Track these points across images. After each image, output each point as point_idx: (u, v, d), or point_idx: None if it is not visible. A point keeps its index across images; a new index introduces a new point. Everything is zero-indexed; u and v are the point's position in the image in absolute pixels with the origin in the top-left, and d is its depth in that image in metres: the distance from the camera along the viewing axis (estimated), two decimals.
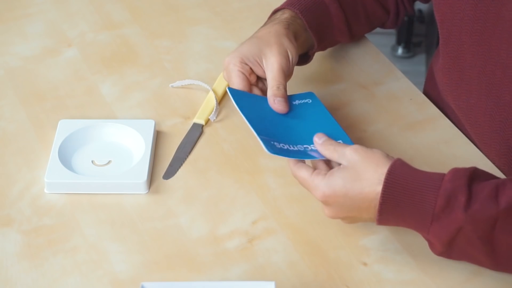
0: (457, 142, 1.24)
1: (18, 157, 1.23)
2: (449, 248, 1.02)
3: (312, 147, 1.10)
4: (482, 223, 0.98)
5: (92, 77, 1.36)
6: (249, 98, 1.16)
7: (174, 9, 1.50)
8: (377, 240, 1.10)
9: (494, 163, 1.19)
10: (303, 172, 1.07)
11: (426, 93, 1.35)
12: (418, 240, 1.07)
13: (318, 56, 1.37)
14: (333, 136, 1.10)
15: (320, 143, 1.09)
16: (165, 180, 1.19)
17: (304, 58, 1.29)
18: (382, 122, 1.27)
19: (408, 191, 1.01)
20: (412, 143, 1.23)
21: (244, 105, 1.14)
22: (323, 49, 1.32)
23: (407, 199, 1.01)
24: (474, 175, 1.01)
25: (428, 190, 1.01)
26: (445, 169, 1.18)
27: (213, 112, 1.28)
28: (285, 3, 1.28)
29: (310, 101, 1.20)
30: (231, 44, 1.42)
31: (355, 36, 1.35)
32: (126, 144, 1.23)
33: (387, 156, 1.04)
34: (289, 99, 1.17)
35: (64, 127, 1.23)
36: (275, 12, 1.28)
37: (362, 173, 1.03)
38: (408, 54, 2.79)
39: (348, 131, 1.25)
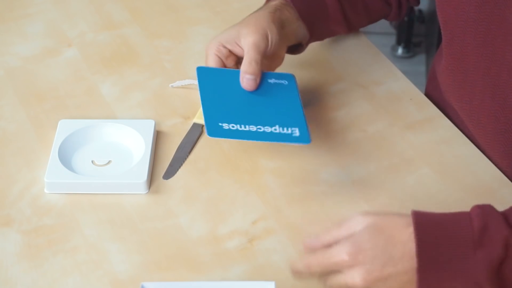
0: (457, 142, 1.24)
1: (18, 157, 1.23)
2: (498, 273, 0.92)
3: (265, 129, 1.11)
4: None
5: (92, 77, 1.36)
6: (219, 74, 1.18)
7: (174, 9, 1.50)
8: None
9: (496, 165, 1.19)
10: (314, 254, 0.96)
11: (427, 94, 1.35)
12: None
13: (318, 55, 1.37)
14: (290, 122, 1.12)
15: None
16: (165, 180, 1.19)
17: (298, 48, 1.29)
18: (382, 122, 1.27)
19: (441, 225, 0.93)
20: (412, 143, 1.23)
21: (208, 82, 1.16)
22: (319, 39, 1.32)
23: (443, 233, 0.93)
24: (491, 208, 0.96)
25: (460, 219, 0.94)
26: (445, 169, 1.19)
27: None
28: None
29: (286, 82, 1.20)
30: None
31: (353, 27, 1.34)
32: (126, 144, 1.23)
33: (402, 214, 0.97)
34: (264, 76, 1.18)
35: (64, 127, 1.23)
36: (268, 1, 1.28)
37: (385, 222, 0.95)
38: (408, 54, 2.79)
39: (348, 131, 1.25)
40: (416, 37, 2.79)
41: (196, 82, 1.33)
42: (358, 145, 1.23)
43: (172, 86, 1.34)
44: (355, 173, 1.19)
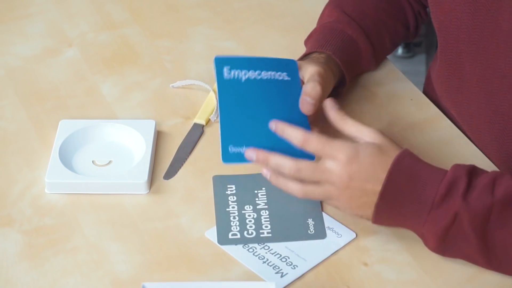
0: (457, 142, 1.24)
1: (18, 157, 1.23)
2: (443, 242, 1.03)
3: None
4: (478, 213, 1.00)
5: (93, 77, 1.36)
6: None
7: (175, 9, 1.50)
8: (377, 240, 1.10)
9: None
10: (321, 139, 1.06)
11: (425, 94, 1.35)
12: (419, 240, 1.07)
13: None
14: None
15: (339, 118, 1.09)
16: (165, 180, 1.19)
17: (333, 94, 1.27)
18: (382, 122, 1.27)
19: (412, 179, 1.02)
20: (412, 143, 1.23)
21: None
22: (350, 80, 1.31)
23: (408, 187, 1.02)
24: (474, 169, 1.04)
25: (431, 180, 1.02)
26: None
27: (213, 112, 1.28)
28: (313, 44, 1.26)
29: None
30: (231, 44, 1.42)
31: (379, 62, 1.35)
32: (126, 144, 1.23)
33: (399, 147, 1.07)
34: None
35: (65, 127, 1.23)
36: (304, 56, 1.26)
37: (386, 148, 1.05)
38: (408, 54, 2.79)
39: None
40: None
41: (196, 82, 1.33)
42: None
43: (172, 86, 1.34)
44: None
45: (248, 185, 1.16)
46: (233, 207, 1.13)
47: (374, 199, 1.04)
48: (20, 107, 1.31)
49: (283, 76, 1.14)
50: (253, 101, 1.12)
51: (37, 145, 1.24)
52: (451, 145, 1.23)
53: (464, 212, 1.00)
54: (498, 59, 1.13)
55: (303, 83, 1.16)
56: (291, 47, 1.30)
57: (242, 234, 1.10)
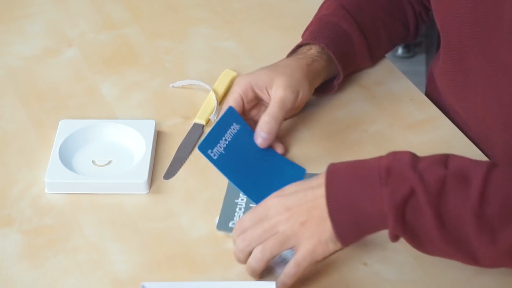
0: (457, 142, 1.24)
1: (18, 157, 1.23)
2: (401, 221, 0.97)
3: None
4: (432, 184, 0.96)
5: (93, 77, 1.36)
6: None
7: (175, 9, 1.50)
8: (377, 240, 1.10)
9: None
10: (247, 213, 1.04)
11: (427, 95, 1.35)
12: None
13: None
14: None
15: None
16: (165, 180, 1.19)
17: (328, 87, 1.29)
18: (382, 122, 1.27)
19: (351, 168, 1.00)
20: (412, 143, 1.23)
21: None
22: (345, 76, 1.31)
23: (352, 175, 0.99)
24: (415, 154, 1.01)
25: (370, 162, 1.00)
26: None
27: (213, 112, 1.28)
28: (307, 37, 1.28)
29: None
30: (231, 44, 1.42)
31: (376, 59, 1.35)
32: (126, 144, 1.23)
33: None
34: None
35: (65, 127, 1.23)
36: (299, 46, 1.28)
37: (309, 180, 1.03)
38: (408, 54, 2.79)
39: (348, 131, 1.25)
40: None
41: (196, 82, 1.33)
42: (359, 145, 1.23)
43: (172, 86, 1.34)
44: None
45: None
46: (242, 200, 1.14)
47: (321, 211, 1.00)
48: (20, 107, 1.31)
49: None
50: (243, 154, 1.17)
51: (37, 145, 1.24)
52: (451, 145, 1.23)
53: (419, 185, 0.96)
54: (500, 50, 1.13)
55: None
56: (290, 47, 1.30)
57: None
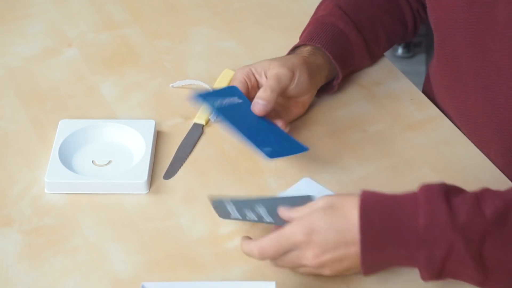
0: (457, 142, 1.24)
1: (18, 157, 1.23)
2: (438, 274, 0.97)
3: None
4: (473, 238, 0.94)
5: (93, 77, 1.36)
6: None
7: (174, 9, 1.50)
8: None
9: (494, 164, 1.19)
10: (275, 233, 0.99)
11: (425, 94, 1.35)
12: None
13: None
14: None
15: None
16: (165, 180, 1.19)
17: (328, 87, 1.29)
18: (382, 122, 1.27)
19: (385, 216, 0.96)
20: (412, 143, 1.23)
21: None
22: (345, 75, 1.31)
23: (386, 223, 0.95)
24: (448, 189, 0.98)
25: (405, 215, 0.96)
26: (445, 170, 1.19)
27: (213, 113, 1.28)
28: (303, 38, 1.28)
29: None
30: (231, 44, 1.42)
31: (376, 57, 1.35)
32: (126, 144, 1.23)
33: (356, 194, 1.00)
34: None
35: (65, 127, 1.23)
36: (296, 47, 1.28)
37: (339, 203, 0.98)
38: (408, 54, 2.79)
39: (348, 131, 1.25)
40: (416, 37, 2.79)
41: (196, 82, 1.33)
42: (359, 145, 1.23)
43: (172, 86, 1.34)
44: (355, 173, 1.19)
45: None
46: None
47: (354, 260, 0.98)
48: (20, 107, 1.31)
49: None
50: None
51: (37, 145, 1.24)
52: (451, 145, 1.23)
53: (459, 242, 0.94)
54: (494, 51, 1.13)
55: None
56: (290, 47, 1.30)
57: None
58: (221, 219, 1.11)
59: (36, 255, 1.09)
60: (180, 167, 1.21)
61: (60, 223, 1.13)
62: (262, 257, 1.01)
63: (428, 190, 0.98)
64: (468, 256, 0.94)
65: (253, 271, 1.07)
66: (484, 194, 0.97)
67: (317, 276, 1.05)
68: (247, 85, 1.20)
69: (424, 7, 1.35)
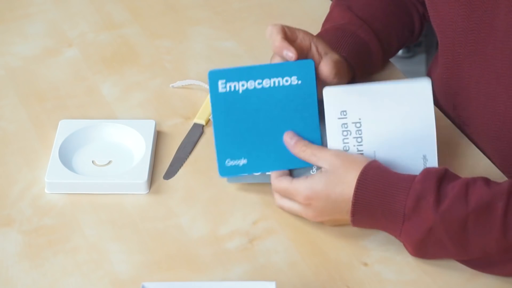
0: (457, 142, 1.24)
1: (18, 157, 1.23)
2: (420, 250, 1.04)
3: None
4: (453, 224, 1.00)
5: (93, 77, 1.36)
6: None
7: (175, 9, 1.50)
8: (377, 240, 1.10)
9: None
10: (284, 182, 1.09)
11: None
12: None
13: None
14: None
15: (293, 144, 1.10)
16: (165, 180, 1.19)
17: None
18: None
19: (380, 192, 1.03)
20: None
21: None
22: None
23: (378, 200, 1.03)
24: (445, 176, 1.03)
25: (399, 192, 1.03)
26: None
27: None
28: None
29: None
30: (231, 44, 1.42)
31: (385, 64, 1.34)
32: (126, 144, 1.23)
33: (367, 160, 1.06)
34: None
35: (65, 127, 1.23)
36: None
37: (343, 176, 1.06)
38: (408, 54, 2.79)
39: None
40: None
41: (196, 82, 1.33)
42: None
43: (172, 86, 1.34)
44: None
45: None
46: None
47: (347, 217, 1.07)
48: (20, 107, 1.31)
49: (291, 80, 1.10)
50: (252, 112, 1.10)
51: (37, 145, 1.24)
52: (451, 145, 1.23)
53: (439, 225, 1.01)
54: (494, 59, 1.13)
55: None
56: None
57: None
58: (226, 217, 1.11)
59: (36, 255, 1.09)
60: (180, 167, 1.21)
61: (60, 223, 1.13)
62: (275, 190, 1.11)
63: (427, 172, 1.03)
64: (448, 239, 1.00)
65: (253, 271, 1.07)
66: (476, 182, 1.02)
67: (317, 276, 1.06)
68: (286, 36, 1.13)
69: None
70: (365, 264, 1.08)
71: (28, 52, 1.42)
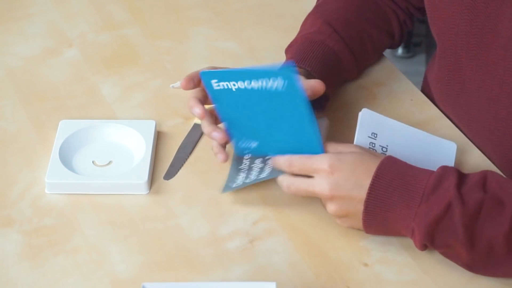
0: (457, 142, 1.23)
1: (18, 158, 1.23)
2: (430, 234, 1.02)
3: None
4: (469, 205, 0.99)
5: (93, 78, 1.37)
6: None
7: (175, 9, 1.50)
8: (377, 240, 1.10)
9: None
10: (305, 155, 1.07)
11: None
12: None
13: None
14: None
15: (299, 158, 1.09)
16: (166, 181, 1.19)
17: (318, 105, 1.24)
18: None
19: (402, 173, 1.04)
20: None
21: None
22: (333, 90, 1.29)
23: (399, 179, 1.03)
24: (460, 171, 1.05)
25: (421, 173, 1.03)
26: None
27: None
28: (292, 58, 1.23)
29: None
30: (231, 45, 1.42)
31: (363, 70, 1.34)
32: (126, 144, 1.23)
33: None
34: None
35: (65, 128, 1.23)
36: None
37: (371, 157, 1.06)
38: (408, 54, 2.79)
39: (349, 132, 1.25)
40: (416, 37, 2.79)
41: None
42: None
43: (172, 86, 1.34)
44: None
45: None
46: (245, 164, 1.16)
47: (360, 207, 1.05)
48: (20, 107, 1.31)
49: (278, 83, 1.07)
50: (248, 107, 1.11)
51: (37, 146, 1.25)
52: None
53: (457, 203, 0.99)
54: (497, 65, 1.13)
55: None
56: None
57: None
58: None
59: (36, 255, 1.09)
60: (180, 167, 1.21)
61: (60, 223, 1.13)
62: (289, 168, 1.08)
63: (444, 166, 1.04)
64: (460, 224, 0.99)
65: (253, 272, 1.07)
66: (494, 176, 1.03)
67: (317, 276, 1.06)
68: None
69: (411, 16, 1.34)
70: (365, 265, 1.08)
71: (28, 52, 1.42)
